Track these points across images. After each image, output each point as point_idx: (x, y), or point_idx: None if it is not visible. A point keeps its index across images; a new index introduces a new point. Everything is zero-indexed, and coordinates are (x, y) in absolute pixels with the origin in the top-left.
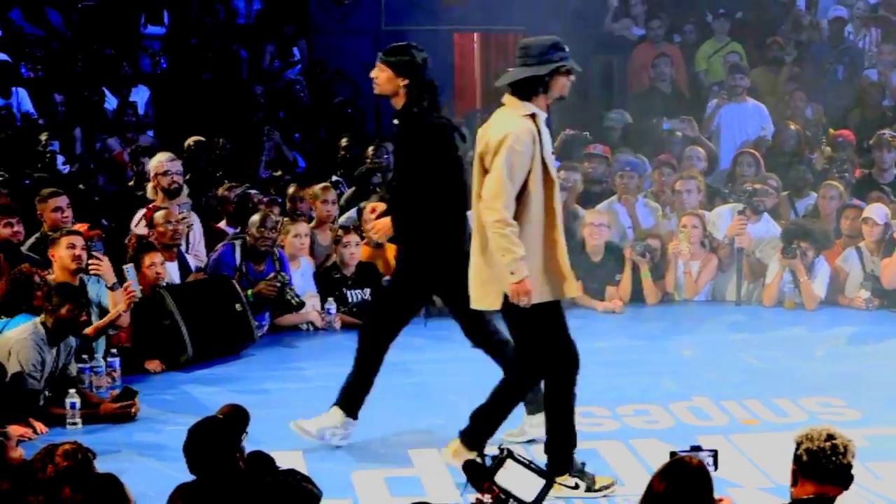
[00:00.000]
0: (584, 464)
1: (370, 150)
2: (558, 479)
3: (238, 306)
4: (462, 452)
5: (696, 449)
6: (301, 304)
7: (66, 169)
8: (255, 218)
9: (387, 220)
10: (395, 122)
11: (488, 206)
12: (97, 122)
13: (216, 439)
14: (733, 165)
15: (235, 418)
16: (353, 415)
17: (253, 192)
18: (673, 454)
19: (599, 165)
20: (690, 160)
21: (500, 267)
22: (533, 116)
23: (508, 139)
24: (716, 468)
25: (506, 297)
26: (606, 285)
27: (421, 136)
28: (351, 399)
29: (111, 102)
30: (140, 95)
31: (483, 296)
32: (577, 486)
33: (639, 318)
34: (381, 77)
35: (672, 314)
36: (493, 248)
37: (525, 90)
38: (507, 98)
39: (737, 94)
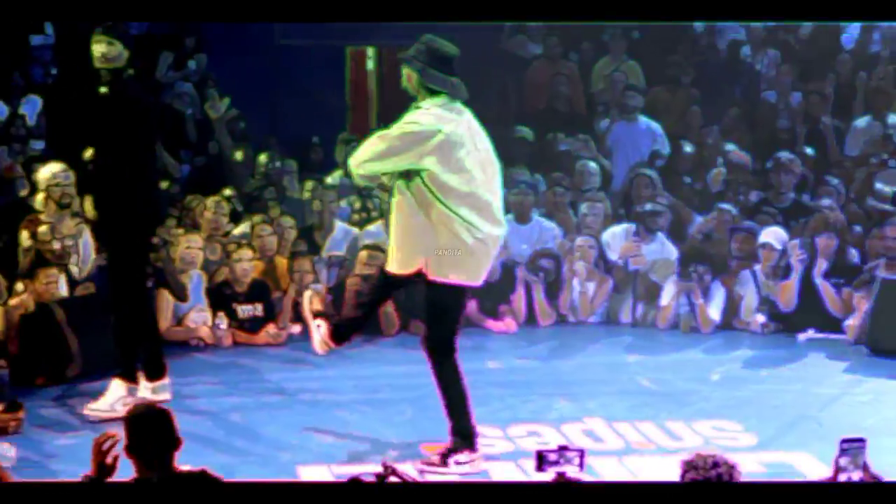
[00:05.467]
0: None
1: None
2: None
3: None
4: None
5: (563, 448)
6: None
7: None
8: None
9: None
10: None
11: None
12: None
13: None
14: (628, 185)
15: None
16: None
17: None
18: (539, 454)
19: None
20: (583, 175)
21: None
22: None
23: None
24: (581, 468)
25: None
26: (499, 304)
27: None
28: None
29: (1, 112)
30: (31, 106)
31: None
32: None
33: (532, 339)
34: None
35: (566, 335)
36: None
37: None
38: None
39: (629, 112)
